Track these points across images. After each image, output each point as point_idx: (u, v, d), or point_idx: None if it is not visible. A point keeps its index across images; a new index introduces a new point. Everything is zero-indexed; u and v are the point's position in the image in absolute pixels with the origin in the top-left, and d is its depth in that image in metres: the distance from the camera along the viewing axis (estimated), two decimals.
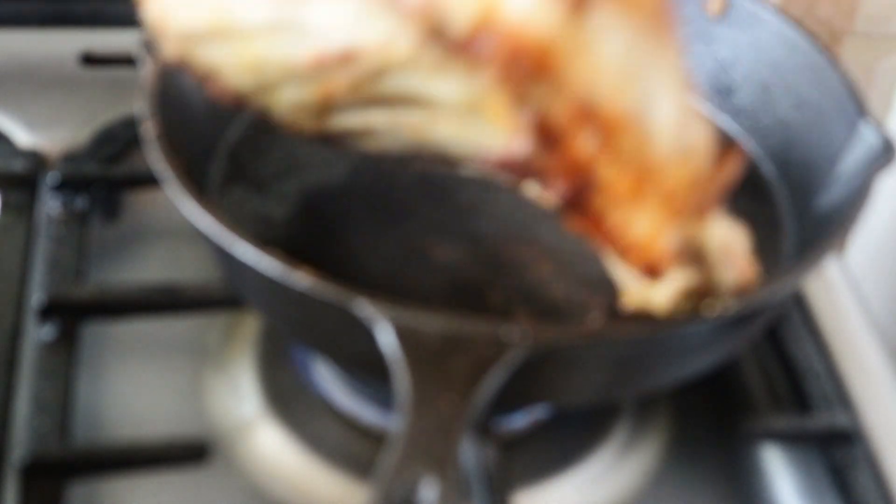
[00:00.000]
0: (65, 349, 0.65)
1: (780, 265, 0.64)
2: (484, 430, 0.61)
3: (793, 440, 0.63)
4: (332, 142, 0.68)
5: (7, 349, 0.66)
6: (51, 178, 0.75)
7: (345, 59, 0.59)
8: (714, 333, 0.56)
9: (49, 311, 0.66)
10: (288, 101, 0.64)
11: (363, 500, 0.47)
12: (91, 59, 0.86)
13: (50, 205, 0.74)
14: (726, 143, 0.55)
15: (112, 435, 0.64)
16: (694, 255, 0.57)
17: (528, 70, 0.53)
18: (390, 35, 0.58)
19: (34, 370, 0.64)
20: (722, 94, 0.75)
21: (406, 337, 0.52)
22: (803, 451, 0.65)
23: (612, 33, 0.51)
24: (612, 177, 0.56)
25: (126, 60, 0.84)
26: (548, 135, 0.56)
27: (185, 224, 0.59)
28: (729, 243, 0.57)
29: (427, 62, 0.56)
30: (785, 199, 0.69)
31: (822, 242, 0.58)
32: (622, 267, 0.61)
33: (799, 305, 0.71)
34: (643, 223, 0.57)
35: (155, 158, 0.60)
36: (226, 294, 0.67)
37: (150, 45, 0.66)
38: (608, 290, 0.65)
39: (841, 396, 0.66)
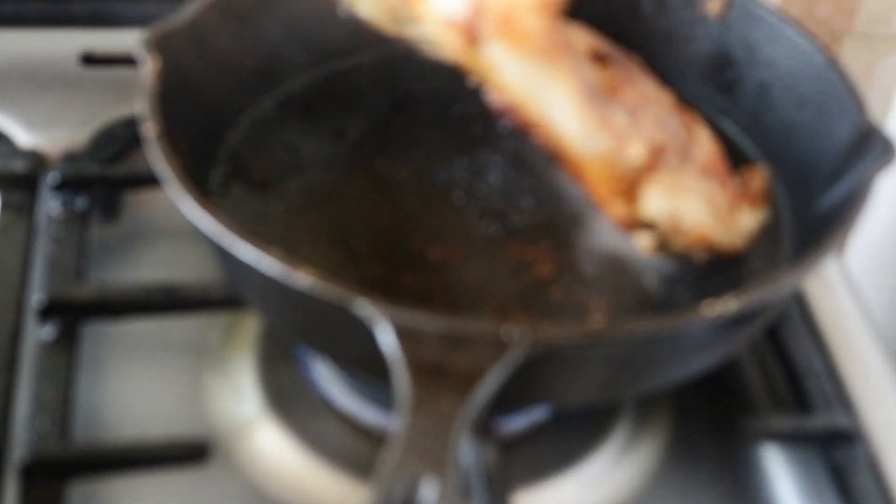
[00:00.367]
0: (65, 349, 0.65)
1: (780, 265, 0.64)
2: (484, 430, 0.61)
3: (793, 440, 0.63)
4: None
5: (7, 349, 0.66)
6: (51, 178, 0.75)
7: None
8: (714, 333, 0.56)
9: (49, 311, 0.66)
10: None
11: (363, 500, 0.47)
12: (91, 59, 0.86)
13: (50, 205, 0.74)
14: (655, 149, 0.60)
15: (112, 435, 0.64)
16: (644, 225, 0.63)
17: None
18: None
19: (34, 370, 0.64)
20: (722, 93, 0.75)
21: (406, 337, 0.52)
22: (803, 451, 0.65)
23: (506, 58, 0.58)
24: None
25: (126, 60, 0.84)
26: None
27: (185, 224, 0.59)
28: (675, 216, 0.59)
29: None
30: (784, 199, 0.69)
31: (821, 242, 0.58)
32: None
33: (799, 305, 0.71)
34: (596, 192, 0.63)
35: (155, 159, 0.60)
36: (226, 294, 0.67)
37: (152, 42, 0.66)
38: (608, 290, 0.65)
39: (841, 396, 0.66)
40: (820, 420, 0.64)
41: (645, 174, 0.62)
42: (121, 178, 0.76)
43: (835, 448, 0.63)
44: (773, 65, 0.73)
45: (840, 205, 0.62)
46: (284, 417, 0.66)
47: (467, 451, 0.60)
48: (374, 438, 0.65)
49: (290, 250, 0.65)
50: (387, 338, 0.52)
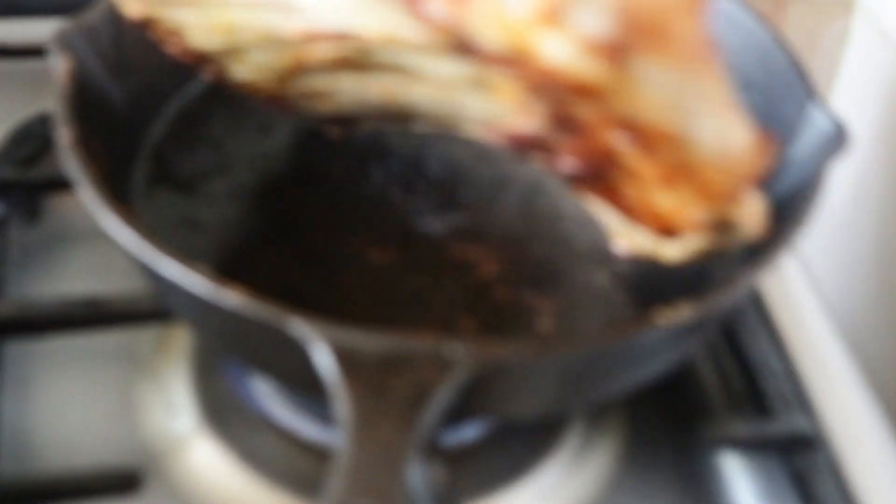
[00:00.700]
0: None
1: (732, 260, 0.61)
2: (431, 445, 0.58)
3: (752, 446, 0.61)
4: (285, 106, 0.66)
5: None
6: None
7: (338, 37, 0.57)
8: (668, 340, 0.54)
9: None
10: (254, 63, 0.62)
11: None
12: (3, 52, 0.82)
13: None
14: (759, 134, 0.53)
15: (40, 462, 0.61)
16: (717, 223, 0.56)
17: (561, 92, 0.51)
18: (395, 26, 0.55)
19: None
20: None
21: (344, 358, 0.49)
22: (763, 455, 0.63)
23: (654, 73, 0.50)
24: (637, 164, 0.54)
25: (40, 52, 0.80)
26: (568, 125, 0.54)
27: None
28: (749, 212, 0.56)
29: (437, 46, 0.54)
30: None
31: (777, 239, 0.56)
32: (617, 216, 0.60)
33: (756, 305, 0.69)
34: (667, 200, 0.55)
35: (70, 168, 0.57)
36: (155, 306, 0.64)
37: (63, 39, 0.63)
38: (557, 291, 0.62)
39: (800, 398, 0.64)
40: (780, 424, 0.62)
41: (753, 174, 0.56)
42: (39, 181, 0.73)
43: (795, 452, 0.61)
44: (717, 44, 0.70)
45: (793, 196, 0.60)
46: (221, 432, 0.63)
47: (413, 468, 0.58)
48: (315, 452, 0.62)
49: (220, 257, 0.63)
50: (323, 359, 0.49)
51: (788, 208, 0.58)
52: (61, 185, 0.72)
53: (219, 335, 0.57)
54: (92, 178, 0.56)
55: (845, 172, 0.92)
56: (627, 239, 0.63)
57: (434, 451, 0.59)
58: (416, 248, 0.65)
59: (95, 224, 0.72)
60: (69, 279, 0.70)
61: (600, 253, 0.64)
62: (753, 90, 0.68)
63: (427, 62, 0.59)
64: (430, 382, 0.49)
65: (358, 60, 0.60)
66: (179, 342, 0.67)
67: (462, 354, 0.49)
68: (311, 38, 0.59)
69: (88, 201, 0.56)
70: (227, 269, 0.52)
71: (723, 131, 0.52)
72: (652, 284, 0.62)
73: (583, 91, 0.51)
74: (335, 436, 0.48)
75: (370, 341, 0.49)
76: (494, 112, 0.60)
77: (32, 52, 0.82)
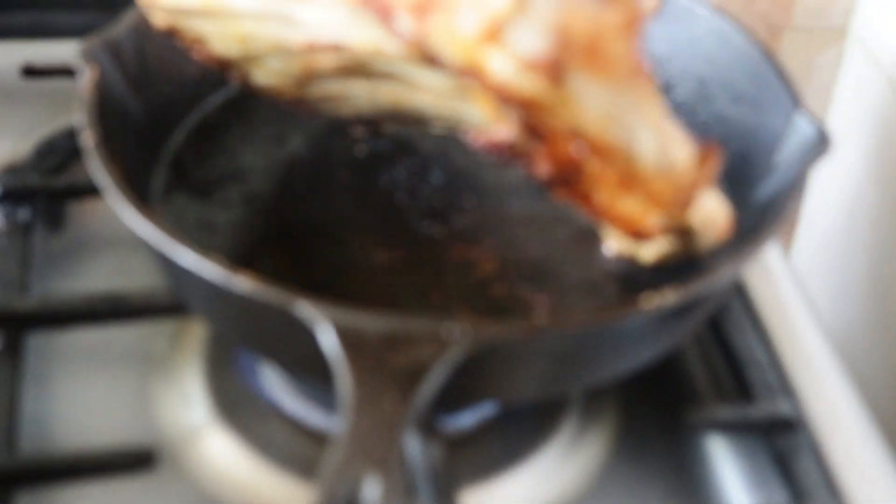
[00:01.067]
0: (9, 361, 0.65)
1: (719, 256, 0.64)
2: (430, 428, 0.61)
3: (736, 429, 0.64)
4: (307, 107, 0.69)
5: None
6: None
7: (335, 48, 0.60)
8: (655, 325, 0.57)
9: None
10: (272, 69, 0.66)
11: (308, 501, 0.47)
12: (32, 71, 0.86)
13: None
14: (704, 145, 0.56)
15: (59, 445, 0.64)
16: (677, 228, 0.59)
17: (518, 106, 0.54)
18: (380, 41, 0.59)
19: None
20: (659, 90, 0.76)
21: (346, 337, 0.52)
22: (747, 439, 0.65)
23: (591, 90, 0.53)
24: (599, 172, 0.57)
25: (67, 72, 0.84)
26: (535, 132, 0.57)
27: (129, 233, 0.59)
28: (710, 218, 0.59)
29: (415, 59, 0.57)
30: (724, 192, 0.69)
31: (760, 232, 0.59)
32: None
33: (741, 296, 0.72)
34: (629, 205, 0.58)
35: (94, 168, 0.60)
36: (171, 301, 0.67)
37: (88, 52, 0.66)
38: (552, 288, 0.65)
39: (783, 385, 0.66)
40: (762, 409, 0.64)
41: (698, 184, 0.59)
42: (63, 188, 0.76)
43: (778, 436, 0.63)
44: (708, 59, 0.73)
45: (777, 195, 0.63)
46: (232, 423, 0.66)
47: (413, 449, 0.60)
48: (322, 441, 0.65)
49: (234, 257, 0.66)
50: (327, 339, 0.52)
51: (771, 206, 0.61)
52: (84, 192, 0.75)
53: (231, 324, 0.60)
54: (114, 177, 0.59)
55: (840, 194, 0.95)
56: (613, 241, 0.66)
57: (433, 433, 0.62)
58: (418, 248, 0.67)
59: (116, 230, 0.75)
60: (89, 281, 0.73)
61: (594, 252, 0.67)
62: (744, 102, 0.71)
63: (415, 72, 0.62)
64: (428, 359, 0.51)
65: (360, 69, 0.63)
66: (193, 338, 0.70)
67: (459, 333, 0.52)
68: (313, 48, 0.62)
69: (110, 197, 0.59)
70: (239, 267, 0.55)
71: (661, 145, 0.55)
72: (643, 282, 0.65)
73: (529, 106, 0.54)
74: (338, 422, 0.50)
75: (371, 321, 0.52)
76: (480, 119, 0.63)
77: (58, 71, 0.85)
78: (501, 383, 0.57)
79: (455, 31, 0.53)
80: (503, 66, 0.52)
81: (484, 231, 0.69)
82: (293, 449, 0.65)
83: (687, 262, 0.64)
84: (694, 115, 0.73)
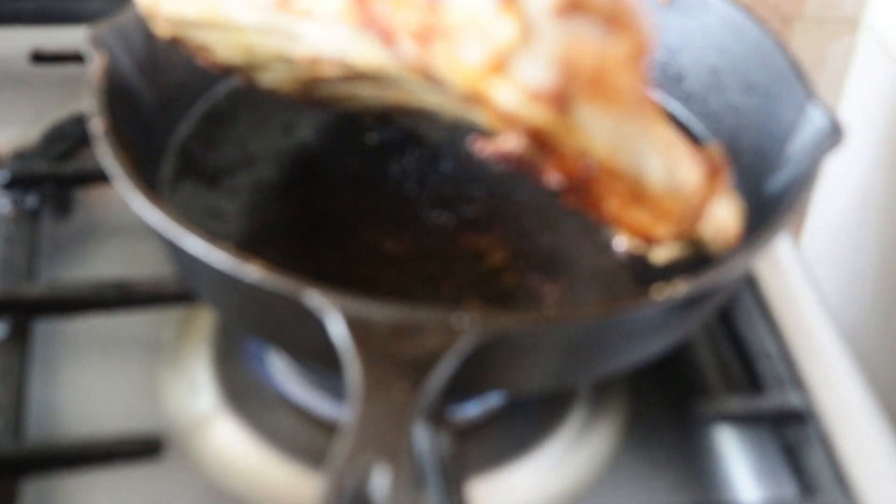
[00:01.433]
0: (17, 348, 0.65)
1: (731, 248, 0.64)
2: (438, 418, 0.61)
3: (745, 421, 0.64)
4: (315, 103, 0.69)
5: None
6: (1, 176, 0.74)
7: (339, 62, 0.60)
8: (665, 316, 0.56)
9: (0, 310, 0.66)
10: (278, 74, 0.65)
11: (316, 490, 0.47)
12: (40, 57, 0.86)
13: (0, 203, 0.74)
14: (712, 163, 0.56)
15: (66, 432, 0.64)
16: (687, 235, 0.59)
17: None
18: (383, 60, 0.58)
19: None
20: (672, 80, 0.75)
21: (356, 326, 0.52)
22: (757, 431, 0.65)
23: (598, 119, 0.53)
24: (608, 184, 0.57)
25: (75, 58, 0.84)
26: (544, 146, 0.57)
27: (137, 220, 0.59)
28: (721, 225, 0.58)
29: (419, 79, 0.57)
30: (735, 182, 0.69)
31: (771, 224, 0.58)
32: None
33: (751, 288, 0.71)
34: (640, 216, 0.58)
35: (104, 154, 0.60)
36: (179, 289, 0.66)
37: (98, 38, 0.66)
38: (562, 278, 0.65)
39: (793, 377, 0.66)
40: (772, 400, 0.64)
41: (707, 200, 0.59)
42: (71, 175, 0.76)
43: (787, 427, 0.63)
44: (721, 49, 0.73)
45: (789, 186, 0.62)
46: (240, 411, 0.66)
47: (422, 440, 0.60)
48: (330, 429, 0.65)
49: (242, 245, 0.66)
50: (337, 328, 0.52)
51: (784, 197, 0.61)
52: (92, 179, 0.75)
53: (239, 312, 0.60)
54: (123, 163, 0.59)
55: (850, 184, 0.95)
56: (624, 240, 0.66)
57: (442, 423, 0.61)
58: (428, 238, 0.67)
59: (124, 217, 0.75)
60: (97, 268, 0.73)
61: (605, 244, 0.67)
62: (756, 92, 0.71)
63: (420, 87, 0.61)
64: (438, 349, 0.51)
65: (366, 77, 0.63)
66: (201, 326, 0.70)
67: (468, 323, 0.52)
68: (317, 61, 0.62)
69: (119, 184, 0.59)
70: (247, 256, 0.55)
71: (669, 170, 0.55)
72: (653, 273, 0.65)
73: (535, 133, 0.54)
74: (347, 411, 0.50)
75: (381, 310, 0.52)
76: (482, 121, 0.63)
77: (67, 57, 0.85)
78: (511, 374, 0.57)
79: (459, 61, 0.53)
80: (508, 96, 0.52)
81: (493, 221, 0.68)
82: (301, 438, 0.65)
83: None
84: (705, 104, 0.73)
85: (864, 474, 0.62)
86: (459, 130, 0.72)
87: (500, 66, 0.52)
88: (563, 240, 0.68)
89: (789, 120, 0.67)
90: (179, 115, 0.73)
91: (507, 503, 0.63)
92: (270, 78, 0.67)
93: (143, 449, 0.60)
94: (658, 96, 0.74)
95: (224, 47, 0.65)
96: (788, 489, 0.62)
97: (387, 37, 0.55)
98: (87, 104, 0.63)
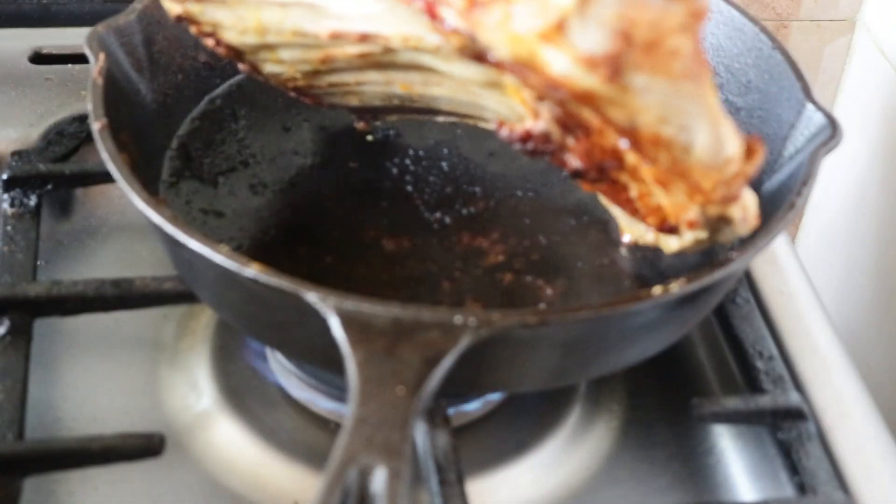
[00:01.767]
0: (18, 346, 0.65)
1: (729, 246, 0.64)
2: (437, 416, 0.61)
3: (742, 420, 0.64)
4: (314, 98, 0.69)
5: None
6: (1, 176, 0.74)
7: (361, 38, 0.60)
8: (663, 315, 0.57)
9: (1, 309, 0.66)
10: (285, 59, 0.65)
11: (317, 489, 0.47)
12: (41, 58, 0.86)
13: (1, 202, 0.74)
14: (750, 141, 0.56)
15: (68, 431, 0.64)
16: (713, 221, 0.59)
17: (566, 98, 0.54)
18: (417, 33, 0.58)
19: None
20: None
21: (356, 326, 0.52)
22: (754, 430, 0.65)
23: (651, 84, 0.52)
24: (637, 165, 0.57)
25: (76, 58, 0.84)
26: (573, 127, 0.57)
27: (137, 220, 0.59)
28: (748, 210, 0.58)
29: (453, 51, 0.57)
30: None
31: (769, 224, 0.58)
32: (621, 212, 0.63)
33: (748, 286, 0.72)
34: (668, 199, 0.58)
35: (103, 155, 0.60)
36: (179, 288, 0.67)
37: (97, 38, 0.66)
38: (561, 278, 0.65)
39: (790, 376, 0.66)
40: (770, 399, 0.64)
41: (742, 177, 0.59)
42: (71, 175, 0.76)
43: (785, 426, 0.64)
44: (718, 49, 0.73)
45: (787, 186, 0.63)
46: (240, 409, 0.66)
47: (421, 438, 0.60)
48: (330, 428, 0.65)
49: (242, 245, 0.66)
50: (337, 328, 0.52)
51: (782, 197, 0.61)
52: (92, 178, 0.75)
53: (240, 313, 0.60)
54: (123, 164, 0.59)
55: (846, 184, 0.95)
56: (631, 231, 0.66)
57: (441, 421, 0.62)
58: (427, 237, 0.68)
59: (124, 217, 0.76)
60: (97, 267, 0.74)
61: (603, 243, 0.67)
62: (753, 91, 0.71)
63: (445, 64, 0.62)
64: (437, 348, 0.51)
65: (382, 59, 0.63)
66: (201, 325, 0.70)
67: (468, 321, 0.52)
68: (339, 37, 0.62)
69: (119, 184, 0.59)
70: (247, 255, 0.55)
71: (716, 139, 0.55)
72: (652, 271, 0.65)
73: (584, 99, 0.54)
74: (348, 410, 0.51)
75: (381, 310, 0.52)
76: (507, 110, 0.63)
77: (67, 58, 0.85)
78: (510, 373, 0.57)
79: (513, 26, 0.52)
80: (563, 62, 0.52)
81: (493, 220, 0.69)
82: (300, 436, 0.65)
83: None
84: None
85: (861, 473, 0.62)
86: (458, 129, 0.73)
87: (556, 31, 0.51)
88: (563, 239, 0.68)
89: (787, 120, 0.67)
90: (179, 115, 0.73)
91: (506, 501, 0.63)
92: (276, 64, 0.67)
93: (144, 448, 0.60)
94: None
95: (236, 28, 0.65)
96: (785, 488, 0.62)
97: (429, 6, 0.55)
98: (87, 105, 0.63)
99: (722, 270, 0.56)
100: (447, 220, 0.69)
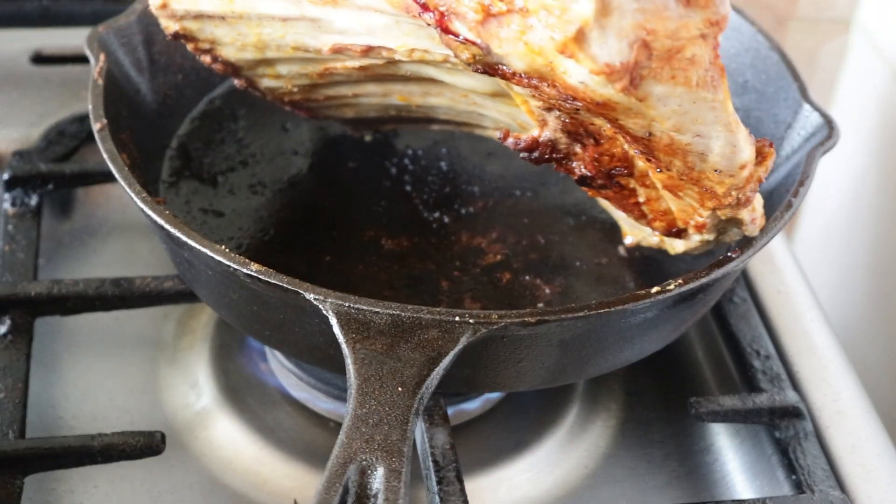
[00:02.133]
0: (19, 345, 0.65)
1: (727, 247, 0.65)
2: (436, 414, 0.61)
3: (739, 418, 0.64)
4: (308, 111, 0.69)
5: None
6: (3, 175, 0.75)
7: (368, 51, 0.60)
8: (660, 313, 0.57)
9: (3, 308, 0.66)
10: (283, 74, 0.66)
11: (316, 487, 0.47)
12: (42, 58, 0.87)
13: (2, 202, 0.74)
14: (761, 146, 0.56)
15: (68, 429, 0.65)
16: (719, 225, 0.59)
17: (580, 108, 0.54)
18: (425, 46, 0.58)
19: None
20: None
21: (356, 325, 0.52)
22: (751, 428, 0.66)
23: (669, 93, 0.52)
24: (645, 170, 0.57)
25: (76, 59, 0.84)
26: (581, 135, 0.57)
27: (137, 219, 0.59)
28: (756, 212, 0.59)
29: (458, 62, 0.57)
30: None
31: (766, 223, 0.59)
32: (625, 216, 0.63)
33: (745, 285, 0.72)
34: (677, 204, 0.58)
35: (104, 154, 0.60)
36: (179, 288, 0.67)
37: (97, 39, 0.67)
38: (559, 278, 0.65)
39: (787, 375, 0.66)
40: (767, 398, 0.64)
41: (754, 181, 0.59)
42: (72, 175, 0.76)
43: (782, 425, 0.64)
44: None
45: (785, 186, 0.63)
46: (239, 407, 0.66)
47: (419, 437, 0.61)
48: (329, 426, 0.65)
49: (242, 245, 0.66)
50: (337, 328, 0.52)
51: (779, 197, 0.62)
52: (93, 178, 0.75)
53: (240, 313, 0.60)
54: (122, 163, 0.60)
55: (842, 183, 0.95)
56: (634, 234, 0.67)
57: (440, 419, 0.62)
58: (426, 237, 0.68)
59: (125, 217, 0.76)
60: (98, 266, 0.74)
61: (601, 243, 0.67)
62: (750, 91, 0.71)
63: (449, 75, 0.62)
64: (436, 347, 0.52)
65: (383, 72, 0.63)
66: (201, 324, 0.70)
67: (465, 321, 0.52)
68: (341, 51, 0.62)
69: (119, 184, 0.59)
70: (246, 255, 0.55)
71: (731, 146, 0.55)
72: (650, 271, 0.65)
73: (601, 108, 0.54)
74: (347, 408, 0.51)
75: (381, 309, 0.53)
76: (507, 119, 0.63)
77: (68, 59, 0.86)
78: (509, 372, 0.57)
79: (530, 38, 0.53)
80: (581, 73, 0.52)
81: (491, 219, 0.69)
82: (299, 435, 0.65)
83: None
84: None
85: (858, 471, 0.62)
86: (457, 133, 0.73)
87: (575, 42, 0.51)
88: (561, 239, 0.68)
89: (784, 120, 0.67)
90: (179, 115, 0.74)
91: (504, 500, 0.63)
92: (273, 79, 0.68)
93: (144, 446, 0.60)
94: None
95: (234, 44, 0.65)
96: (782, 486, 0.63)
97: (441, 20, 0.55)
98: (88, 105, 0.63)
99: (719, 270, 0.57)
100: (446, 219, 0.69)
